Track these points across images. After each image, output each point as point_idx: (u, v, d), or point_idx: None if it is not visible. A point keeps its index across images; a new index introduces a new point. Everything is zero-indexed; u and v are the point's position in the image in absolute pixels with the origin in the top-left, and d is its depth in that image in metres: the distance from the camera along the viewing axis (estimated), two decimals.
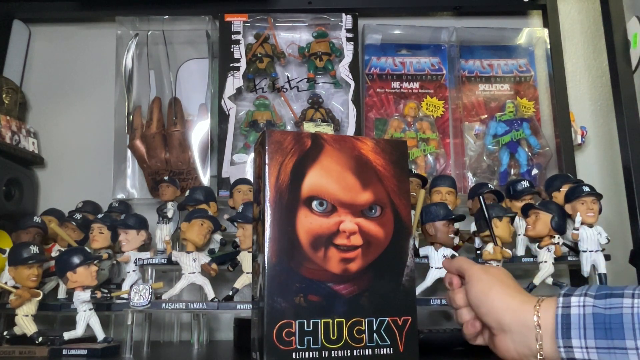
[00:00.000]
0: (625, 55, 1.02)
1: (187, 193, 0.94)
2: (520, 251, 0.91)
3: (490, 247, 0.82)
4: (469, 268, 0.61)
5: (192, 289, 0.96)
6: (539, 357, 0.53)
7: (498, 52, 1.18)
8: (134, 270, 0.88)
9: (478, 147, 1.11)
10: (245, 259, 0.82)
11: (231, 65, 1.11)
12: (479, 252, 0.87)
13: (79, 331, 0.75)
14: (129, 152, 1.09)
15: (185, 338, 1.01)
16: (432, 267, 0.83)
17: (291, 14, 1.15)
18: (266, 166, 0.58)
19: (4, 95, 1.09)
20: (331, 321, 0.57)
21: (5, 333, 0.80)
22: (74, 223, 0.92)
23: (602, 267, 0.82)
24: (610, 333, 0.48)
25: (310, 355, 0.56)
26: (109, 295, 0.79)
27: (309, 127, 1.07)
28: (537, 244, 0.86)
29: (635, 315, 0.47)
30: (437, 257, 0.83)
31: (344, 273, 0.58)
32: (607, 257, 0.84)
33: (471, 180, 1.09)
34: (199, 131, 1.09)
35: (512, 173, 1.08)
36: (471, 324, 0.60)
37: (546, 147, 1.09)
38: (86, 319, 0.75)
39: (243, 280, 0.81)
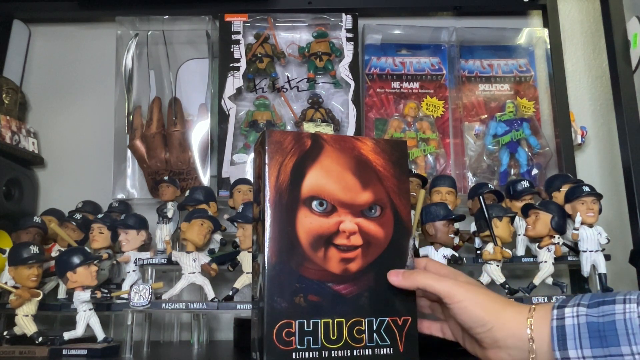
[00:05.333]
0: (625, 55, 1.01)
1: (187, 193, 0.94)
2: (520, 251, 0.91)
3: (490, 247, 0.82)
4: (439, 286, 0.56)
5: (192, 289, 0.96)
6: None
7: (498, 52, 1.18)
8: (134, 270, 0.88)
9: (478, 147, 1.11)
10: (245, 259, 0.82)
11: (231, 65, 1.11)
12: (479, 252, 0.87)
13: (79, 331, 0.75)
14: (129, 152, 1.10)
15: (185, 338, 1.01)
16: None
17: (291, 14, 1.15)
18: (266, 166, 0.58)
19: (4, 95, 1.09)
20: (331, 321, 0.57)
21: (5, 333, 0.79)
22: (74, 223, 0.92)
23: (602, 267, 0.82)
24: (605, 341, 0.48)
25: (310, 355, 0.56)
26: (109, 295, 0.79)
27: (309, 127, 1.07)
28: (537, 244, 0.86)
29: (628, 321, 0.47)
30: (437, 257, 0.82)
31: (344, 273, 0.58)
32: (607, 257, 0.84)
33: (471, 180, 1.09)
34: (199, 131, 1.09)
35: (512, 173, 1.08)
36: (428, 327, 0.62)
37: (546, 147, 1.09)
38: (86, 319, 0.75)
39: (243, 280, 0.81)
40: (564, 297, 0.56)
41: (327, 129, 1.07)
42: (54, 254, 0.87)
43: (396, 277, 0.58)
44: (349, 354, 0.57)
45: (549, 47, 1.16)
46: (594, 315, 0.49)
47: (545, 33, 1.17)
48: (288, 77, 1.13)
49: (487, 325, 0.54)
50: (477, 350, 0.58)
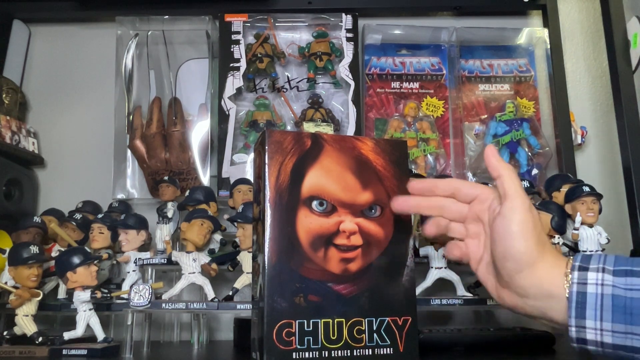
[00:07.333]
0: (625, 55, 1.01)
1: (187, 193, 0.94)
2: None
3: None
4: (514, 193, 0.52)
5: (192, 289, 0.96)
6: (569, 330, 0.48)
7: (498, 52, 1.18)
8: (134, 270, 0.87)
9: (478, 147, 1.11)
10: (245, 259, 0.82)
11: (231, 65, 1.11)
12: None
13: (79, 331, 0.75)
14: (129, 152, 1.09)
15: (185, 338, 1.01)
16: (432, 267, 0.83)
17: (291, 14, 1.15)
18: (266, 166, 0.58)
19: (4, 95, 1.09)
20: (331, 321, 0.57)
21: (5, 333, 0.79)
22: (74, 223, 0.92)
23: None
24: (630, 318, 0.45)
25: (310, 355, 0.56)
26: (109, 295, 0.79)
27: (309, 127, 1.07)
28: None
29: None
30: (437, 257, 0.83)
31: (344, 273, 0.58)
32: None
33: (471, 180, 1.09)
34: (199, 131, 1.09)
35: None
36: (457, 246, 0.58)
37: (546, 147, 1.09)
38: (86, 319, 0.75)
39: (243, 280, 0.81)
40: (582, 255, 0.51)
41: (327, 129, 1.07)
42: (54, 254, 0.87)
43: (492, 155, 0.55)
44: (349, 354, 0.57)
45: (549, 47, 1.16)
46: (621, 288, 0.46)
47: (545, 33, 1.17)
48: (288, 77, 1.13)
49: (518, 264, 0.50)
50: (488, 283, 0.55)
